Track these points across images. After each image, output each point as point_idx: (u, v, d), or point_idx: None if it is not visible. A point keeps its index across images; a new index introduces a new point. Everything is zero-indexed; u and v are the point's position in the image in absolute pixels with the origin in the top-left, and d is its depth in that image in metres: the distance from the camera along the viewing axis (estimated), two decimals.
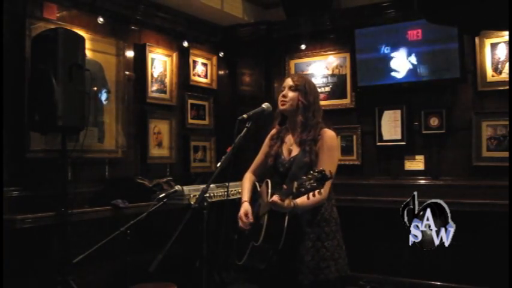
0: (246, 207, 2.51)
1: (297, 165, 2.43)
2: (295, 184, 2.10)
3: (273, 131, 2.65)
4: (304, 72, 5.07)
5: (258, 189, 2.63)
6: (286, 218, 2.31)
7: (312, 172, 2.07)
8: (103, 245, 2.70)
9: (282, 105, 2.49)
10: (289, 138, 2.56)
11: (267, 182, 2.49)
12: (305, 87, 2.49)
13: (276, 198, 2.20)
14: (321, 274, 2.37)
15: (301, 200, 2.25)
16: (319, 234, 2.41)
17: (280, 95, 2.51)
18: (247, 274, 4.46)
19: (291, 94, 2.48)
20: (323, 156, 2.39)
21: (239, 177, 2.76)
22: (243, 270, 4.38)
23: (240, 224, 2.48)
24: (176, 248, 2.17)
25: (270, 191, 2.41)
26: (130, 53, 4.32)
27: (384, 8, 4.59)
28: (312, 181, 2.04)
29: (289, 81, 2.52)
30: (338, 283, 2.43)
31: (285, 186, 2.23)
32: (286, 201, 2.21)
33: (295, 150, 2.49)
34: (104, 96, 3.95)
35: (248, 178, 2.68)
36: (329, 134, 2.46)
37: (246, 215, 2.47)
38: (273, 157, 2.55)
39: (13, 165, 3.26)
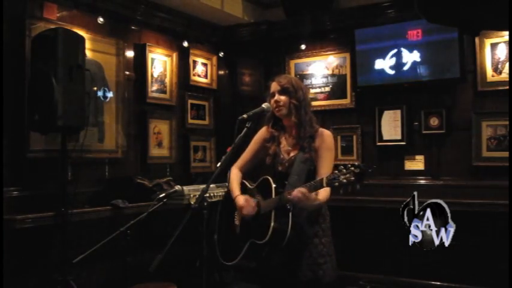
0: (244, 197, 2.51)
1: (299, 162, 2.45)
2: (325, 178, 2.14)
3: (264, 132, 2.63)
4: (304, 72, 5.08)
5: (249, 186, 2.60)
6: (290, 214, 2.32)
7: (347, 166, 2.09)
8: (103, 245, 2.70)
9: (278, 111, 2.51)
10: (285, 139, 2.57)
11: (267, 179, 2.48)
12: (293, 86, 2.52)
13: (304, 190, 2.21)
14: (320, 270, 2.41)
15: (322, 196, 2.33)
16: (317, 231, 2.45)
17: (273, 100, 2.52)
18: (247, 274, 4.46)
19: (282, 98, 2.50)
20: (324, 155, 2.44)
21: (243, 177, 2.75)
22: (239, 270, 4.38)
23: (245, 212, 2.45)
24: (176, 248, 2.16)
25: (273, 188, 2.41)
26: (130, 53, 4.32)
27: (384, 8, 4.59)
28: (348, 175, 2.06)
29: (276, 86, 2.53)
30: (333, 278, 2.47)
31: (312, 182, 2.24)
32: (313, 195, 2.25)
33: (294, 150, 2.51)
34: (105, 95, 3.95)
35: (236, 175, 2.64)
36: (328, 134, 2.53)
37: (247, 201, 2.47)
38: (271, 157, 2.55)
39: (13, 165, 3.26)
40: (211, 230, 2.66)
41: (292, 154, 2.51)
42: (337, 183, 2.09)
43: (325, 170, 2.39)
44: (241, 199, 2.50)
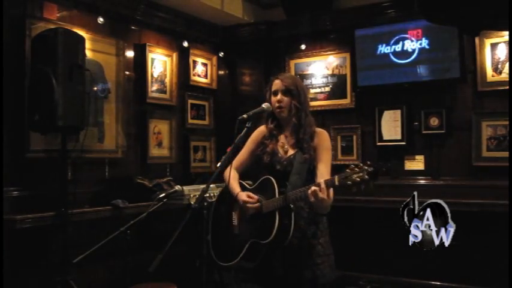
0: (246, 193, 2.47)
1: (298, 161, 2.44)
2: (337, 177, 2.11)
3: (262, 130, 2.61)
4: (304, 72, 5.08)
5: (248, 187, 2.58)
6: (293, 214, 2.32)
7: (358, 165, 2.06)
8: (103, 245, 2.70)
9: (279, 112, 2.50)
10: (282, 137, 2.56)
11: (269, 179, 2.46)
12: (296, 88, 2.51)
13: (324, 187, 2.16)
14: (317, 270, 2.41)
15: (332, 194, 2.27)
16: (314, 231, 2.45)
17: (275, 99, 2.50)
18: (247, 274, 4.45)
19: (285, 99, 2.48)
20: (323, 154, 2.45)
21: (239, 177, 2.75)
22: (239, 270, 4.38)
23: (249, 206, 2.42)
24: (176, 248, 2.16)
25: (276, 188, 2.39)
26: (130, 53, 4.32)
27: (384, 8, 4.59)
28: (361, 174, 2.03)
29: (280, 85, 2.51)
30: (332, 278, 2.47)
31: (327, 180, 2.18)
32: (331, 194, 2.21)
33: (292, 149, 2.51)
34: (103, 91, 3.95)
35: (233, 174, 2.58)
36: (325, 134, 2.54)
37: (250, 196, 2.44)
38: (269, 155, 2.52)
39: (13, 165, 3.25)
40: (206, 230, 2.65)
41: (290, 153, 2.50)
42: (350, 182, 2.05)
43: (325, 168, 2.41)
44: (243, 195, 2.47)
